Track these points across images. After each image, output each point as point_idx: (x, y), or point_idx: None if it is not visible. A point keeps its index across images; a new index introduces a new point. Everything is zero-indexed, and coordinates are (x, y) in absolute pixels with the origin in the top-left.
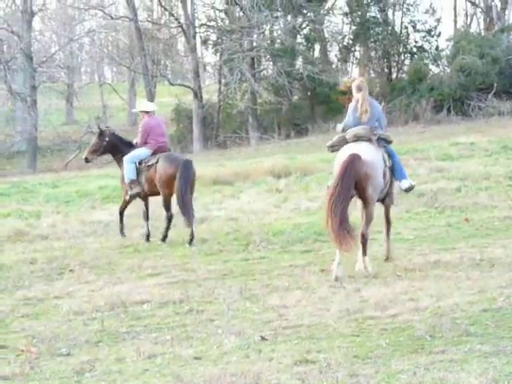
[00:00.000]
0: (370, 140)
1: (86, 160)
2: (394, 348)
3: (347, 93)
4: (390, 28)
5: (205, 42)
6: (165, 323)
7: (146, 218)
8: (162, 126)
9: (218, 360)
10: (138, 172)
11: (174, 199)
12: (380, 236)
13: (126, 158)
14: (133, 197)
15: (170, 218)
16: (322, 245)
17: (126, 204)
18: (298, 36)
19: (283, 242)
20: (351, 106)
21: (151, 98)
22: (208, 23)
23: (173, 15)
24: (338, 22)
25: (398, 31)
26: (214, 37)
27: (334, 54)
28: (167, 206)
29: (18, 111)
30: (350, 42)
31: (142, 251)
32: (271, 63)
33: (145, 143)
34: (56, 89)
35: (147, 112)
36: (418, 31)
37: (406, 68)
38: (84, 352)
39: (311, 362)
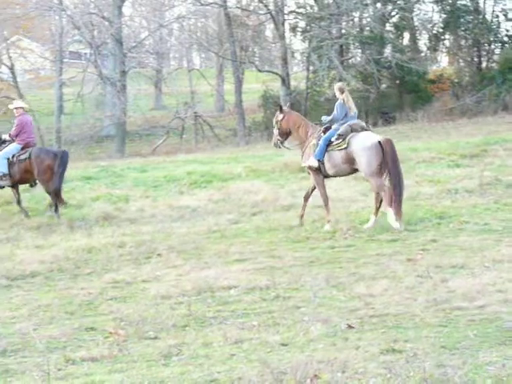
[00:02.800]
0: (368, 129)
1: None
2: (482, 339)
3: (436, 81)
4: (480, 16)
5: (293, 28)
6: (251, 309)
7: (19, 202)
8: (32, 124)
9: (305, 347)
10: (10, 165)
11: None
12: (468, 226)
13: (1, 154)
14: (1, 187)
15: (57, 204)
16: (408, 234)
17: (16, 193)
18: (388, 24)
19: (370, 230)
20: (338, 103)
21: (239, 84)
22: (297, 10)
23: (262, 2)
24: (428, 10)
25: (489, 20)
26: (302, 24)
27: (423, 42)
28: (48, 190)
29: (108, 96)
30: (440, 30)
31: (228, 237)
32: (360, 51)
33: (16, 137)
34: (145, 74)
35: (23, 108)
36: (510, 20)
37: (496, 57)
38: (171, 336)
39: (398, 351)
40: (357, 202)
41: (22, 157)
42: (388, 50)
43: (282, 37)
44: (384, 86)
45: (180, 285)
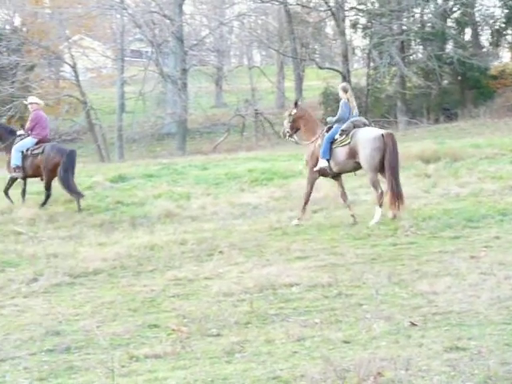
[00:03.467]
0: (370, 125)
1: None
2: None
3: (498, 77)
4: None
5: (354, 25)
6: (313, 306)
7: (23, 194)
8: (47, 119)
9: (368, 344)
10: (24, 158)
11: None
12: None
13: (15, 147)
14: (14, 179)
15: (48, 195)
16: (471, 231)
17: (9, 185)
18: (449, 19)
19: (432, 227)
20: (343, 102)
21: (299, 81)
22: (358, 6)
23: None
24: (489, 5)
25: None
26: (363, 20)
27: (485, 37)
28: (48, 186)
29: (169, 94)
30: (502, 25)
31: (290, 234)
32: (421, 47)
33: (31, 132)
34: (206, 72)
35: (38, 104)
36: None
37: None
38: (234, 333)
39: (461, 349)
40: (419, 198)
41: (36, 151)
42: (449, 46)
43: (343, 33)
44: (445, 82)
45: (242, 282)
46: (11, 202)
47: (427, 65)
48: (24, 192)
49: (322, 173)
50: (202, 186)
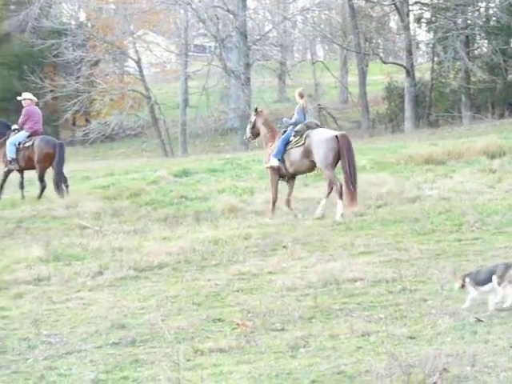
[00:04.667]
0: (322, 127)
1: None
2: None
3: None
4: None
5: (418, 19)
6: (378, 301)
7: (22, 186)
8: (40, 114)
9: (433, 340)
10: (17, 151)
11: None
12: None
13: (8, 141)
14: (9, 171)
15: (44, 187)
16: None
17: (4, 177)
18: None
19: (498, 223)
20: (298, 107)
21: (363, 75)
22: (422, 1)
23: None
24: None
25: None
26: (427, 14)
27: None
28: (41, 177)
29: (232, 88)
30: None
31: (353, 229)
32: (486, 41)
33: (23, 126)
34: (269, 66)
35: (31, 100)
36: None
37: None
38: (298, 328)
39: None
40: (483, 194)
41: (27, 144)
42: None
43: (407, 28)
44: (510, 76)
45: (306, 277)
46: None
47: (492, 59)
48: (22, 184)
49: (280, 174)
50: (265, 181)
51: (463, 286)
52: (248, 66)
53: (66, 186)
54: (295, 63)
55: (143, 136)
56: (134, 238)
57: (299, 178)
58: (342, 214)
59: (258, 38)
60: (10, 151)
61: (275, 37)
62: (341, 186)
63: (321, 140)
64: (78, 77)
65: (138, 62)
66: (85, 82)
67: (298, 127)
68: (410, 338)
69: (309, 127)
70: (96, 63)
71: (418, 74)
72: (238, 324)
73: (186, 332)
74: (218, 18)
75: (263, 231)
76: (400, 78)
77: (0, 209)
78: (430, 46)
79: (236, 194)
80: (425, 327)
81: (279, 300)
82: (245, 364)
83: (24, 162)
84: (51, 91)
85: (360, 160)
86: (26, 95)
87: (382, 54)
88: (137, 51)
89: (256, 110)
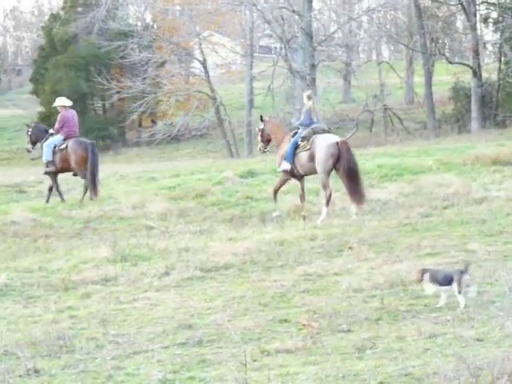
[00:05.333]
0: (330, 131)
1: (28, 151)
2: None
3: None
4: None
5: (485, 19)
6: (445, 303)
7: (57, 189)
8: (75, 118)
9: (501, 342)
10: (54, 154)
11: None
12: None
13: (45, 144)
14: (48, 173)
15: (87, 188)
16: None
17: (52, 180)
18: None
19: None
20: (305, 109)
21: (429, 76)
22: (489, 0)
23: None
24: None
25: None
26: (494, 14)
27: None
28: (84, 176)
29: (298, 89)
30: None
31: (420, 230)
32: None
33: (59, 131)
34: (334, 67)
35: (64, 106)
36: None
37: None
38: (364, 329)
39: None
40: None
41: (62, 147)
42: None
43: (474, 28)
44: None
45: (372, 278)
46: (62, 198)
47: None
48: (58, 188)
49: (292, 174)
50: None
51: (421, 280)
52: (313, 66)
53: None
54: (360, 64)
55: (208, 137)
56: (200, 239)
57: (365, 179)
58: (322, 221)
59: (324, 38)
60: (47, 154)
61: (340, 37)
62: (330, 194)
63: (322, 146)
64: (144, 78)
65: (204, 63)
66: (151, 83)
67: (305, 132)
68: (478, 340)
69: (315, 132)
70: (162, 64)
71: (484, 74)
72: (304, 325)
73: (252, 332)
74: (283, 19)
75: (329, 232)
76: (466, 78)
77: (68, 209)
78: (497, 45)
79: None
80: (493, 329)
81: (345, 301)
82: (311, 365)
83: (60, 164)
84: (118, 92)
85: (426, 160)
86: (59, 102)
87: (448, 54)
88: (202, 52)
89: (261, 118)
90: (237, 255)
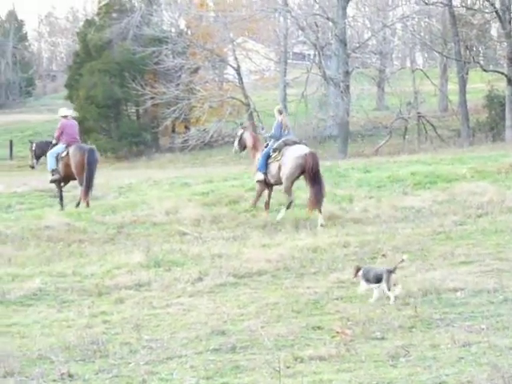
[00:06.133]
0: (300, 143)
1: (31, 167)
2: None
3: None
4: None
5: None
6: (479, 312)
7: (60, 197)
8: (75, 126)
9: None
10: (57, 162)
11: None
12: None
13: (48, 153)
14: (53, 181)
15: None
16: None
17: (57, 187)
18: None
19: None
20: (276, 123)
21: (463, 83)
22: None
23: (488, 0)
24: None
25: None
26: None
27: None
28: (81, 181)
29: (331, 96)
30: None
31: (454, 238)
32: None
33: (59, 139)
34: (368, 74)
35: (65, 116)
36: None
37: None
38: (398, 337)
39: None
40: None
41: (64, 154)
42: None
43: (508, 35)
44: None
45: (406, 286)
46: (62, 207)
47: None
48: (61, 196)
49: (266, 182)
50: (364, 189)
51: (355, 276)
52: (347, 73)
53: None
54: (394, 71)
55: None
56: (233, 245)
57: (399, 187)
58: (279, 221)
59: (358, 45)
60: (51, 162)
61: (374, 44)
62: (291, 201)
63: (292, 157)
64: (178, 84)
65: (238, 70)
66: (184, 89)
67: (276, 144)
68: None
69: (286, 144)
70: (196, 70)
71: None
72: (337, 332)
73: (285, 339)
74: (317, 26)
75: (362, 239)
76: (501, 86)
77: (101, 214)
78: None
79: (335, 202)
80: None
81: (379, 309)
82: (345, 372)
83: (64, 171)
84: (151, 98)
85: (460, 168)
86: (61, 112)
87: (482, 62)
88: (236, 59)
89: (242, 124)
90: (270, 262)
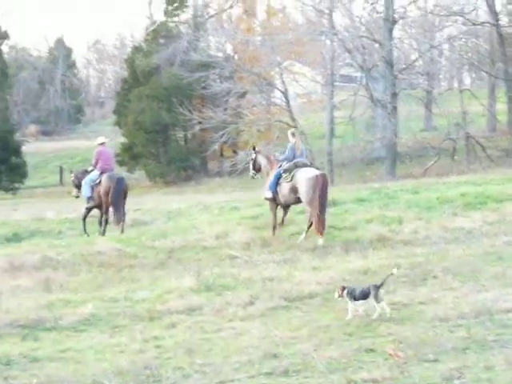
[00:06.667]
0: (311, 165)
1: (75, 196)
2: None
3: None
4: None
5: None
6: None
7: (100, 223)
8: (110, 153)
9: None
10: (92, 190)
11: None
12: None
13: (83, 182)
14: (89, 209)
15: (106, 220)
16: None
17: (86, 213)
18: None
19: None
20: (289, 146)
21: (511, 103)
22: None
23: None
24: None
25: None
26: None
27: None
28: (106, 210)
29: (379, 118)
30: None
31: (505, 259)
32: None
33: (95, 166)
34: (415, 95)
35: (102, 144)
36: None
37: None
38: (451, 359)
39: None
40: None
41: (97, 181)
42: None
43: None
44: None
45: (458, 307)
46: (86, 232)
47: None
48: (101, 222)
49: (278, 202)
50: (413, 210)
51: (340, 296)
52: (394, 95)
53: (122, 221)
54: (442, 91)
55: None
56: (283, 268)
57: (448, 208)
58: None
59: (405, 66)
60: (86, 190)
61: (421, 65)
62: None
63: (304, 179)
64: (226, 108)
65: (285, 93)
66: (232, 113)
67: (287, 166)
68: None
69: (297, 166)
70: (243, 95)
71: None
72: (390, 354)
73: (338, 362)
74: (364, 48)
75: (412, 261)
76: None
77: (151, 239)
78: None
79: (384, 224)
80: None
81: (431, 330)
82: None
83: (98, 199)
84: (199, 123)
85: (510, 189)
86: (99, 140)
87: None
88: (283, 82)
89: (254, 148)
90: (321, 284)
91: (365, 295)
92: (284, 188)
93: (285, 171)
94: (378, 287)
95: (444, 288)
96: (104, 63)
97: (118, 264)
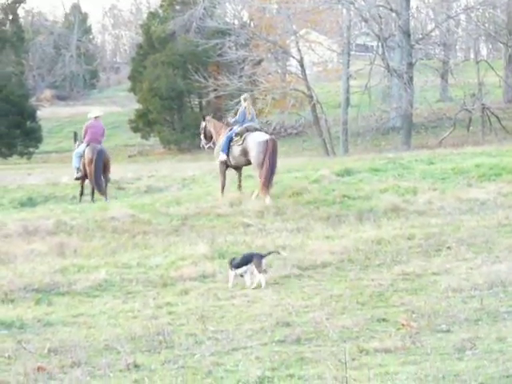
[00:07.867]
0: (260, 130)
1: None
2: None
3: None
4: None
5: None
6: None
7: (80, 193)
8: (99, 128)
9: None
10: (80, 160)
11: None
12: None
13: (74, 153)
14: (78, 179)
15: (93, 189)
16: None
17: (81, 185)
18: None
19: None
20: (240, 109)
21: None
22: None
23: None
24: None
25: None
26: None
27: None
28: (91, 180)
29: (394, 88)
30: None
31: None
32: None
33: (84, 138)
34: (432, 66)
35: (97, 117)
36: None
37: None
38: (464, 329)
39: None
40: None
41: (83, 153)
42: None
43: None
44: None
45: (471, 278)
46: (79, 201)
47: None
48: (81, 192)
49: (227, 164)
50: (428, 181)
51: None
52: (411, 65)
53: (104, 190)
54: (458, 62)
55: (304, 135)
56: (296, 237)
57: (463, 179)
58: (255, 196)
59: (421, 37)
60: (75, 161)
61: (438, 35)
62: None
63: (254, 142)
64: (241, 76)
65: (301, 61)
66: (247, 81)
67: (239, 129)
68: None
69: (248, 130)
70: (259, 62)
71: None
72: (402, 324)
73: (350, 331)
74: (380, 17)
75: (426, 231)
76: None
77: (165, 206)
78: None
79: (398, 194)
80: None
81: (444, 301)
82: (410, 365)
83: (84, 170)
84: (214, 90)
85: None
86: (91, 114)
87: None
88: (299, 50)
89: (203, 117)
90: (334, 254)
91: (246, 262)
92: (235, 150)
93: (236, 134)
94: (262, 256)
95: (458, 259)
96: (120, 29)
97: (131, 230)
